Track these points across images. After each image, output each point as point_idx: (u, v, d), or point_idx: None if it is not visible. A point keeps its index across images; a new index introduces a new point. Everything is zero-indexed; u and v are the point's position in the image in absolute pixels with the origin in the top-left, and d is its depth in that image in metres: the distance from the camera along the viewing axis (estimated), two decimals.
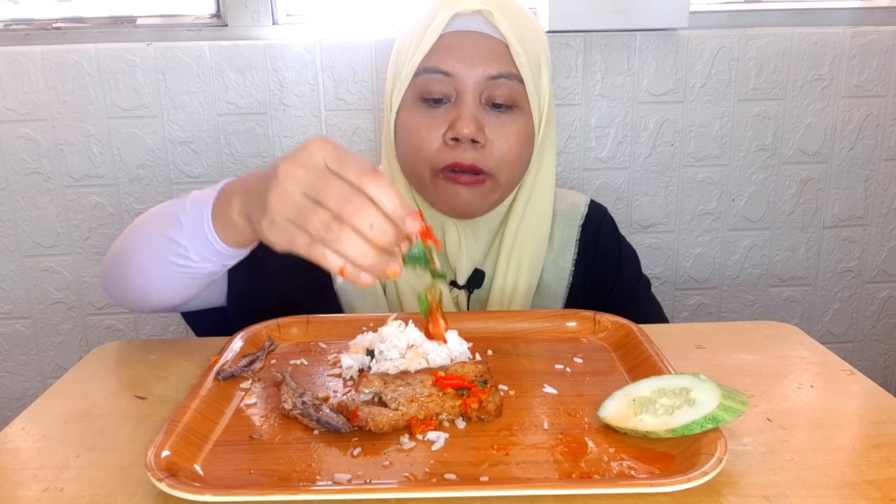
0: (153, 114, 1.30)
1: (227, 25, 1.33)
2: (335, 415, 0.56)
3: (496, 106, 0.81)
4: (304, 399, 0.57)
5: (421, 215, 0.55)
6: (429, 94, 0.80)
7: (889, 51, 1.36)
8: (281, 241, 0.56)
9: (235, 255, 0.68)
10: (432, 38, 0.79)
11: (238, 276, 0.80)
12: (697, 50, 1.34)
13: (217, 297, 0.83)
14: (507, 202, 0.88)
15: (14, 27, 1.31)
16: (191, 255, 0.67)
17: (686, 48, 1.34)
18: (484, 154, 0.80)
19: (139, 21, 1.34)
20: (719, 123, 1.38)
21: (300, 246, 0.54)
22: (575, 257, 0.92)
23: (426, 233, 0.57)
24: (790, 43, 1.35)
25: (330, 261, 0.54)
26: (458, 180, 0.81)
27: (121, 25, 1.33)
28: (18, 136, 1.29)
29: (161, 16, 1.35)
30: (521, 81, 0.81)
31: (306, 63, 1.30)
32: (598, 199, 0.99)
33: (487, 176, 0.81)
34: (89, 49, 1.27)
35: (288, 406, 0.57)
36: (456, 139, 0.79)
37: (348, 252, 0.53)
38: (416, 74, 0.81)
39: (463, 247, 0.87)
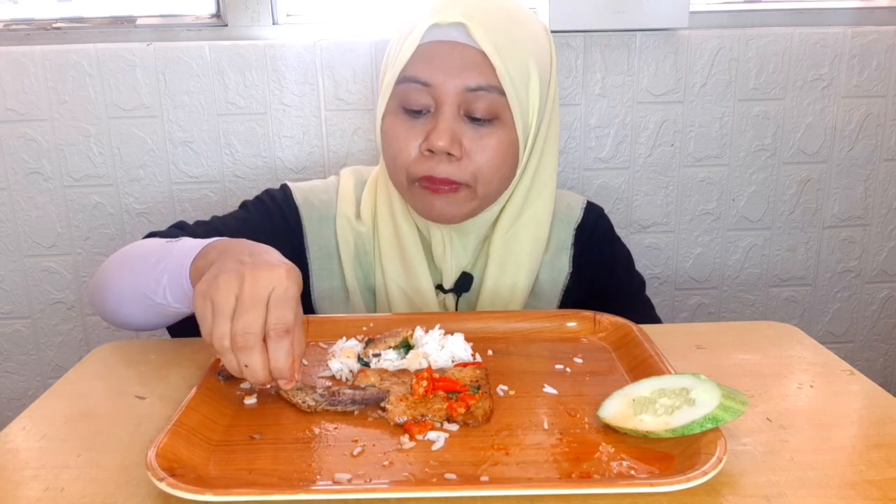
0: (153, 114, 1.30)
1: (227, 25, 1.33)
2: (361, 390, 0.56)
3: (476, 119, 0.79)
4: (320, 392, 0.58)
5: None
6: (409, 105, 0.80)
7: (889, 51, 1.36)
8: (196, 310, 0.59)
9: None
10: (411, 48, 0.78)
11: None
12: (697, 50, 1.34)
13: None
14: (495, 208, 0.87)
15: (14, 27, 1.31)
16: (167, 296, 0.69)
17: (686, 48, 1.34)
18: (459, 167, 0.79)
19: (139, 21, 1.34)
20: (719, 123, 1.38)
21: (204, 326, 0.59)
22: (571, 261, 0.92)
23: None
24: (790, 43, 1.35)
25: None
26: (432, 189, 0.80)
27: (121, 25, 1.33)
28: (18, 136, 1.29)
29: (161, 16, 1.35)
30: (503, 93, 0.78)
31: (306, 63, 1.30)
32: (598, 200, 0.99)
33: (463, 185, 0.80)
34: (89, 49, 1.26)
35: (311, 404, 0.57)
36: (431, 150, 0.78)
37: (225, 361, 0.58)
38: (398, 83, 0.80)
39: (448, 251, 0.87)
